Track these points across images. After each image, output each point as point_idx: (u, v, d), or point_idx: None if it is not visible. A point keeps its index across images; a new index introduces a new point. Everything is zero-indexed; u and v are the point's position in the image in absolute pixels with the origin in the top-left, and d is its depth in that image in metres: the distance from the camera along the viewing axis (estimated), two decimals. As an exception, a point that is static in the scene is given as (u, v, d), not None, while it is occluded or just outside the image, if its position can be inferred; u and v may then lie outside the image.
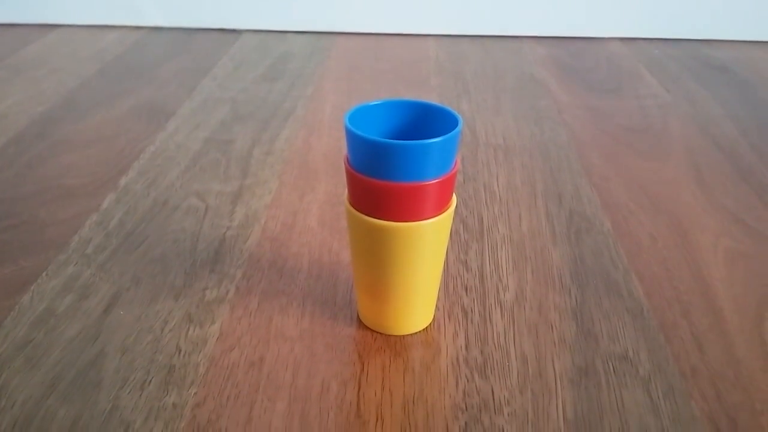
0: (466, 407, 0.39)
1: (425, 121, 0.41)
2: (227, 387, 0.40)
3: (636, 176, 0.66)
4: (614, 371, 0.42)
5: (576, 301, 0.48)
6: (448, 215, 0.40)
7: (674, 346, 0.44)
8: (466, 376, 0.41)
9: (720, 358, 0.43)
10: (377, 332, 0.45)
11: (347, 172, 0.39)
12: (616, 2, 1.11)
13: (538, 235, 0.56)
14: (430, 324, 0.46)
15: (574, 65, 1.00)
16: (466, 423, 0.38)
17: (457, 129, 0.37)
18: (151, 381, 0.40)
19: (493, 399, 0.40)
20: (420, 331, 0.45)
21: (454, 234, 0.55)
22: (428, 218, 0.38)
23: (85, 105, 0.82)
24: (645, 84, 0.92)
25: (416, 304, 0.43)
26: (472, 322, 0.46)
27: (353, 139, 0.37)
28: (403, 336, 0.44)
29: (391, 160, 0.36)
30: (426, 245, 0.40)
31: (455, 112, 0.39)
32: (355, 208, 0.39)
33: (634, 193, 0.63)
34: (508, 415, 0.39)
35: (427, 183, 0.37)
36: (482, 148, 0.71)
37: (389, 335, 0.44)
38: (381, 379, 0.41)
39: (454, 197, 0.41)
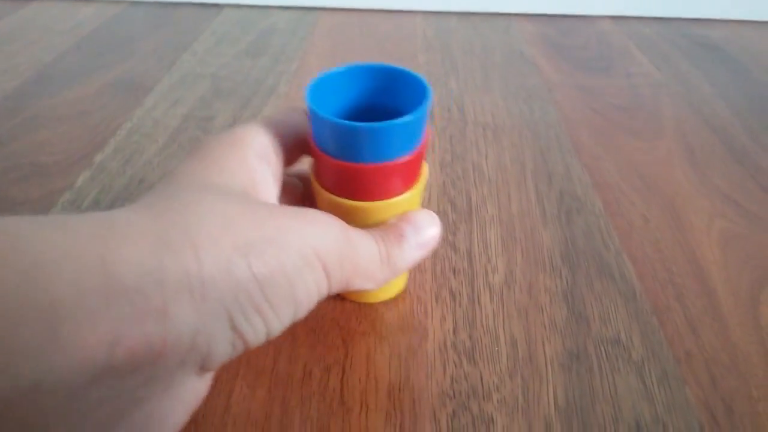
0: (453, 394, 0.38)
1: (394, 87, 0.38)
2: (204, 373, 0.38)
3: (627, 156, 0.64)
4: (606, 356, 0.40)
5: (567, 283, 0.47)
6: (417, 191, 0.38)
7: (668, 329, 0.43)
8: (453, 361, 0.40)
9: (715, 342, 0.42)
10: (361, 314, 0.43)
11: (311, 149, 0.37)
12: (606, -21, 1.09)
13: (527, 216, 0.54)
14: (405, 292, 0.44)
15: (564, 43, 0.98)
16: (453, 410, 0.37)
17: (424, 104, 0.34)
18: (124, 367, 0.39)
19: (482, 385, 0.38)
20: (406, 315, 0.43)
21: (441, 215, 0.54)
22: (398, 195, 0.36)
23: (60, 80, 0.79)
24: (636, 63, 0.91)
25: None
26: (460, 306, 0.44)
27: (314, 119, 0.34)
28: (389, 320, 0.43)
29: (354, 141, 0.33)
30: None
31: (423, 79, 0.36)
32: (321, 186, 0.37)
33: (625, 173, 0.61)
34: (498, 401, 0.37)
35: (395, 162, 0.34)
36: (471, 127, 0.70)
37: (375, 320, 0.43)
38: (365, 365, 0.39)
39: (426, 167, 0.39)
